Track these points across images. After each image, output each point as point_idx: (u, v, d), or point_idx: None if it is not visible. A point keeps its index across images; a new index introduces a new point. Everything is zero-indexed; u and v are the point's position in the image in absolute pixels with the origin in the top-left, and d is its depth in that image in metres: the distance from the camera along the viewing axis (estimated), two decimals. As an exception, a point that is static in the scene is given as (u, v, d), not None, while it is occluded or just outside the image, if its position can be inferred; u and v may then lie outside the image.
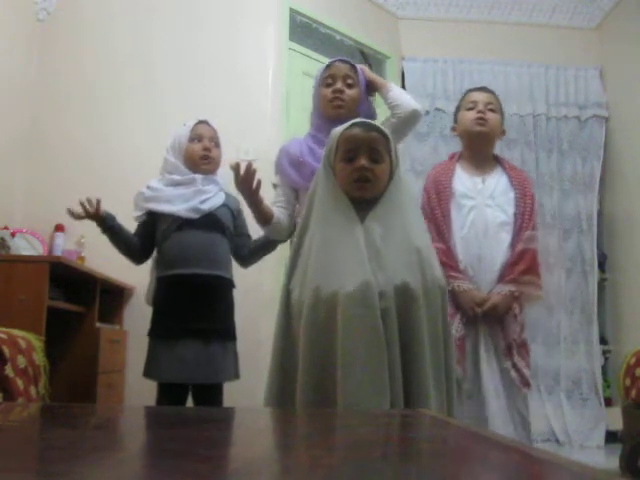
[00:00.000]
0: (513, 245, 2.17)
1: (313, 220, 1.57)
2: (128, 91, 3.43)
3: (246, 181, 1.87)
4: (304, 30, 3.74)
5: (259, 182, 1.89)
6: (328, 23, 3.83)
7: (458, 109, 2.38)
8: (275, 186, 2.18)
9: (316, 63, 3.75)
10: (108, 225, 2.32)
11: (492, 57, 4.21)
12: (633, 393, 2.28)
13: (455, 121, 2.40)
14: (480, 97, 2.30)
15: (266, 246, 2.48)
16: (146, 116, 3.38)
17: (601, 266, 4.09)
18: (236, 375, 2.35)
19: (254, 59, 3.45)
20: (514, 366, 2.05)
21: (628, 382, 2.33)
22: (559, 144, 4.16)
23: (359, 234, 1.49)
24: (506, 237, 2.18)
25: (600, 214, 4.14)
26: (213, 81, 3.42)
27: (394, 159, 1.59)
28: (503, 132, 2.37)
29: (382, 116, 2.19)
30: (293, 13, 3.63)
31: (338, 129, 1.61)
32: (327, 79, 2.09)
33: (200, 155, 2.40)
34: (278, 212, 2.06)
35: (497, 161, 2.34)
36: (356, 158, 1.54)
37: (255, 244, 2.49)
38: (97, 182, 3.28)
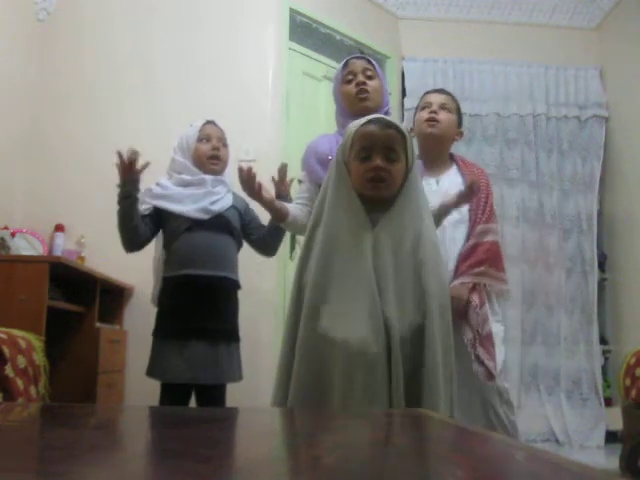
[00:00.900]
0: (467, 242, 2.16)
1: (324, 219, 1.55)
2: (128, 91, 3.43)
3: (247, 183, 1.87)
4: (304, 30, 3.75)
5: (259, 184, 1.89)
6: (328, 23, 3.83)
7: (416, 110, 2.39)
8: (300, 182, 2.17)
9: (316, 63, 3.76)
10: (135, 194, 2.26)
11: (492, 57, 4.21)
12: (633, 393, 2.28)
13: (413, 122, 2.40)
14: (435, 98, 2.30)
15: (277, 230, 2.44)
16: (146, 116, 3.38)
17: (601, 266, 4.09)
18: (239, 376, 2.36)
19: (254, 59, 3.45)
20: (477, 358, 2.03)
21: (628, 382, 2.33)
22: (559, 144, 4.16)
23: (367, 247, 1.46)
24: (461, 236, 2.17)
25: (600, 214, 4.14)
26: (213, 81, 3.42)
27: (410, 157, 1.55)
28: (460, 133, 2.35)
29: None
30: (293, 13, 3.63)
31: (353, 125, 1.58)
32: (347, 76, 2.08)
33: (209, 155, 2.40)
34: (295, 209, 2.03)
35: (453, 160, 2.33)
36: (371, 157, 1.51)
37: (267, 229, 2.47)
38: (97, 182, 3.28)
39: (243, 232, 2.49)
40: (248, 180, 1.87)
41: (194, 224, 2.31)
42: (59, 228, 3.23)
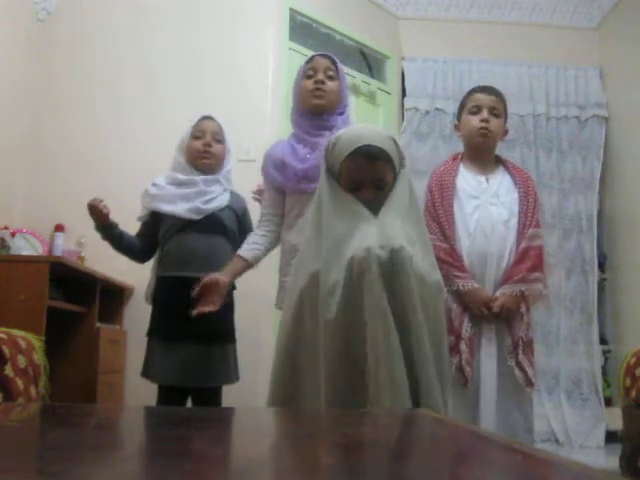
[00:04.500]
0: (517, 244, 2.17)
1: (323, 224, 1.55)
2: (128, 91, 3.44)
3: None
4: (304, 30, 3.75)
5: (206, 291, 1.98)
6: (328, 23, 3.83)
7: (461, 108, 2.35)
8: (262, 191, 2.22)
9: (316, 63, 3.76)
10: (110, 234, 2.34)
11: (492, 57, 4.21)
12: (633, 393, 2.28)
13: (458, 119, 2.38)
14: (484, 101, 2.27)
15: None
16: (146, 116, 3.38)
17: (601, 266, 4.09)
18: (235, 378, 2.35)
19: (254, 59, 3.45)
20: (518, 365, 2.05)
21: (628, 382, 2.33)
22: (559, 144, 4.16)
23: (372, 225, 1.48)
24: (511, 236, 2.18)
25: (600, 214, 4.13)
26: (213, 81, 3.42)
27: (397, 169, 1.56)
28: (506, 132, 2.36)
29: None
30: (293, 13, 3.63)
31: (341, 149, 1.53)
32: (308, 71, 2.12)
33: (200, 150, 2.37)
34: (252, 246, 2.14)
35: (499, 161, 2.34)
36: (361, 189, 1.52)
37: None
38: (97, 182, 3.28)
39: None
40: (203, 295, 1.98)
41: (187, 225, 2.31)
42: (59, 228, 3.23)
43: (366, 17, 4.07)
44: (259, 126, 3.34)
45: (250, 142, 3.27)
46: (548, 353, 3.92)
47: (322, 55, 2.17)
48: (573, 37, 4.32)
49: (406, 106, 4.07)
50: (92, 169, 3.34)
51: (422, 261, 1.49)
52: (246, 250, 2.13)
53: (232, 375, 2.33)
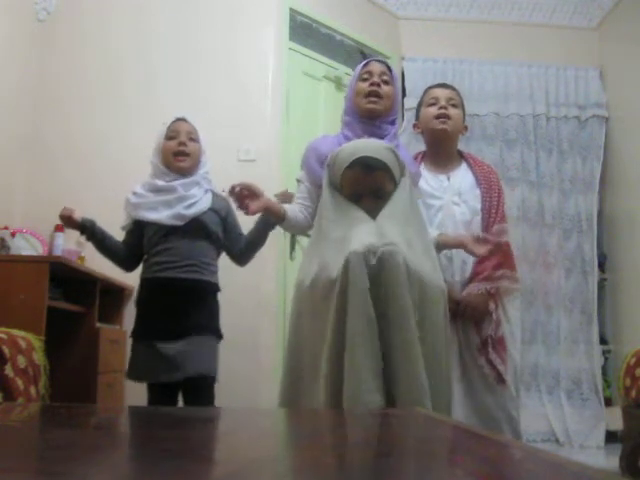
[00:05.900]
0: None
1: (323, 229, 1.60)
2: (128, 91, 3.43)
3: (240, 204, 1.91)
4: (304, 30, 3.75)
5: (246, 197, 1.89)
6: (328, 23, 3.83)
7: (420, 106, 2.36)
8: (299, 182, 2.16)
9: (316, 63, 3.76)
10: (89, 232, 2.33)
11: (492, 57, 4.21)
12: (633, 393, 2.28)
13: (417, 118, 2.37)
14: (441, 93, 2.28)
15: (257, 240, 2.42)
16: (146, 116, 3.37)
17: (601, 266, 4.09)
18: (214, 370, 2.30)
19: (254, 59, 3.45)
20: (489, 363, 2.02)
21: (628, 382, 2.33)
22: (559, 144, 4.16)
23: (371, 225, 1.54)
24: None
25: (600, 214, 4.14)
26: (213, 81, 3.42)
27: (397, 178, 1.63)
28: (465, 128, 2.34)
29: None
30: (293, 13, 3.63)
31: (341, 162, 1.63)
32: (364, 74, 2.11)
33: (174, 151, 2.35)
34: (293, 210, 2.03)
35: (461, 157, 2.31)
36: (361, 199, 1.61)
37: (245, 240, 2.44)
38: (97, 182, 3.28)
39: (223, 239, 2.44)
40: (238, 200, 1.90)
41: (170, 231, 2.30)
42: (59, 228, 3.22)
43: (366, 17, 4.07)
44: (259, 126, 3.34)
45: (250, 142, 3.27)
46: (548, 353, 3.92)
47: (378, 60, 2.18)
48: (573, 37, 4.32)
49: (406, 106, 4.07)
50: (92, 169, 3.34)
51: (424, 264, 1.51)
52: (289, 209, 2.03)
53: (211, 365, 2.27)
